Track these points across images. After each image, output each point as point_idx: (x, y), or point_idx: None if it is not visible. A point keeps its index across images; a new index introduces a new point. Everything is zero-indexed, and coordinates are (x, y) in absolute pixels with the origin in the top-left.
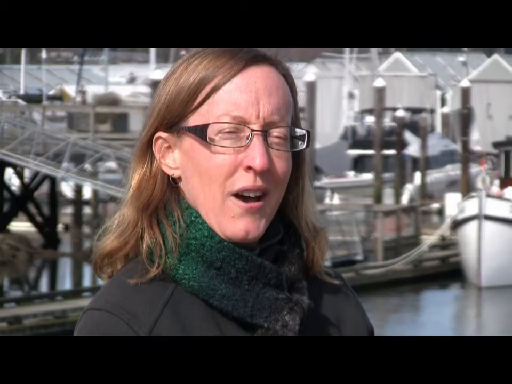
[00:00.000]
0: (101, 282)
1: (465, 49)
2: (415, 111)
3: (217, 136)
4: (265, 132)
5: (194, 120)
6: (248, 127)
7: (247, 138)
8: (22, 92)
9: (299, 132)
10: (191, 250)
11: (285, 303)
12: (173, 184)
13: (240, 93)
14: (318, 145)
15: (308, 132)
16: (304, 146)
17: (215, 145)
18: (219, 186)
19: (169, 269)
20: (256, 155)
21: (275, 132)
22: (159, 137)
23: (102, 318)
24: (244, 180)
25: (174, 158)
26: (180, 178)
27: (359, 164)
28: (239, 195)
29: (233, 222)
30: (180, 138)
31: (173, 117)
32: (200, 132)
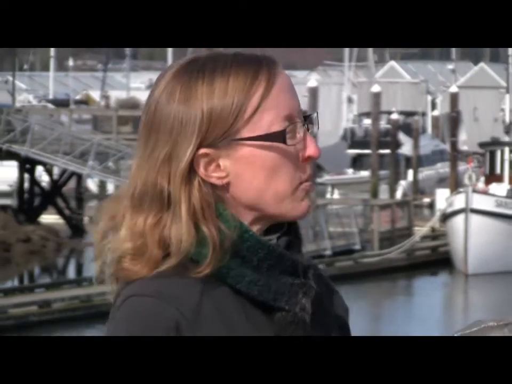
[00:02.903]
0: None
1: (454, 57)
2: (408, 114)
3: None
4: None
5: (249, 130)
6: (298, 122)
7: (298, 132)
8: (51, 97)
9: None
10: None
11: (299, 287)
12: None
13: (284, 93)
14: (319, 145)
15: (316, 113)
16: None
17: (287, 145)
18: (291, 181)
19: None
20: (311, 145)
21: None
22: (202, 154)
23: (147, 303)
24: (306, 170)
25: (223, 167)
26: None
27: (357, 162)
28: None
29: (303, 203)
30: (232, 149)
31: (218, 135)
32: (275, 138)
